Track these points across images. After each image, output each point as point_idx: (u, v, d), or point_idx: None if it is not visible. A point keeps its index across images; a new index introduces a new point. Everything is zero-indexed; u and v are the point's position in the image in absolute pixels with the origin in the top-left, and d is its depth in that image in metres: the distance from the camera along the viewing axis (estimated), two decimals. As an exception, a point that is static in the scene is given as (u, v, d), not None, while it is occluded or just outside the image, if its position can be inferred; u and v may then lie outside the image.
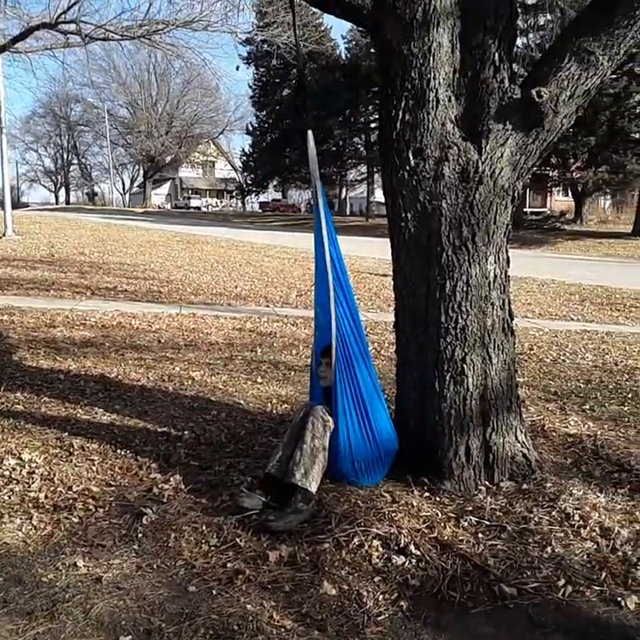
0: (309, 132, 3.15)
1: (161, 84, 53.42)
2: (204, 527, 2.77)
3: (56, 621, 2.19)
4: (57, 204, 64.20)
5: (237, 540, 2.67)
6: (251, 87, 45.32)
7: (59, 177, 69.75)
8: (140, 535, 2.73)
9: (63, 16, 13.53)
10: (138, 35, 14.69)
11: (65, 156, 68.42)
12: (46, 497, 3.01)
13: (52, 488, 3.09)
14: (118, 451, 3.54)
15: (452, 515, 2.88)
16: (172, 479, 3.19)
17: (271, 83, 43.80)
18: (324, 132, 39.71)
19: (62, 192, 70.26)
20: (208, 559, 2.55)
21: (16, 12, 14.40)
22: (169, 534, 2.72)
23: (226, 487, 3.11)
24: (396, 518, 2.78)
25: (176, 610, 2.26)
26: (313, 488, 2.91)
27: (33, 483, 3.13)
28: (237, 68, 47.28)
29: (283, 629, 2.17)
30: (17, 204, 46.38)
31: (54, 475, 3.22)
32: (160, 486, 3.12)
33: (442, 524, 2.78)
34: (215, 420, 4.11)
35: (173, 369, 5.33)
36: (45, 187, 73.54)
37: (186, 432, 3.84)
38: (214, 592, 2.36)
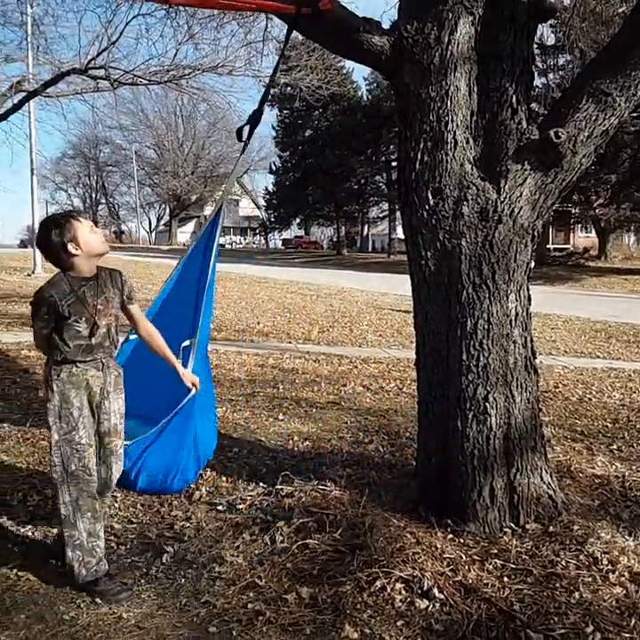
0: (242, 158, 3.28)
1: (187, 126, 54.96)
2: (224, 567, 2.75)
3: (76, 661, 2.18)
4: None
5: (257, 580, 2.65)
6: (274, 128, 46.33)
7: (87, 216, 71.47)
8: (160, 574, 2.72)
9: (93, 62, 14.04)
10: (165, 80, 15.17)
11: (93, 195, 70.26)
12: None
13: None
14: (140, 488, 3.55)
15: (477, 557, 2.83)
16: (193, 517, 3.19)
17: (294, 124, 44.74)
18: (346, 170, 40.28)
19: (90, 231, 71.71)
20: (228, 599, 2.54)
21: (48, 58, 14.99)
22: (190, 573, 2.72)
23: (247, 526, 3.10)
24: (419, 560, 2.73)
25: (196, 651, 2.24)
26: None
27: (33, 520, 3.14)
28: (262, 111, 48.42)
29: (303, 674, 2.13)
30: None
31: (77, 512, 3.23)
32: (181, 524, 3.13)
33: (466, 567, 2.73)
34: (237, 458, 4.11)
35: (196, 406, 5.35)
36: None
37: (208, 469, 3.84)
38: (234, 633, 2.34)
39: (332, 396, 5.81)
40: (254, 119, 3.14)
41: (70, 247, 2.54)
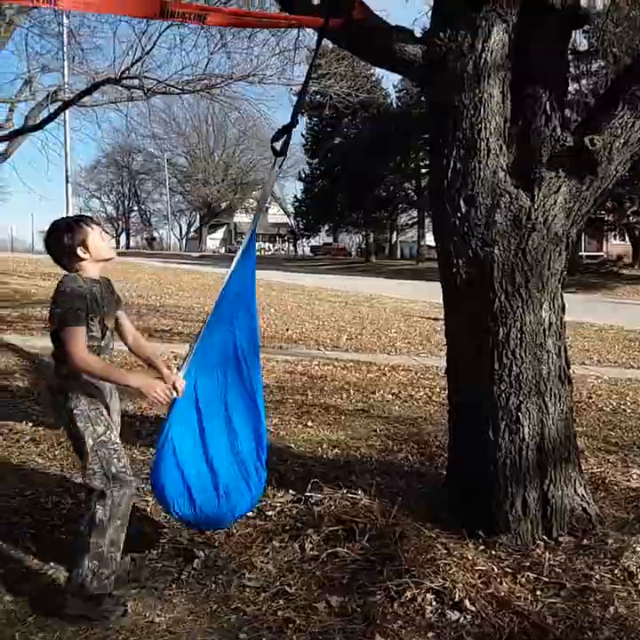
0: (274, 171, 3.13)
1: (218, 135, 55.65)
2: (254, 573, 2.76)
3: (109, 664, 2.21)
4: (117, 248, 66.79)
5: (287, 587, 2.66)
6: (303, 136, 46.60)
7: (120, 223, 72.72)
8: (191, 579, 2.74)
9: (127, 72, 14.29)
10: (197, 88, 15.38)
11: (126, 203, 71.44)
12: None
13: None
14: (171, 493, 3.58)
15: (509, 570, 2.79)
16: (223, 523, 3.20)
17: (323, 131, 44.97)
18: (375, 177, 40.26)
19: (123, 237, 73.11)
20: (259, 606, 2.54)
21: (83, 68, 15.32)
22: (220, 579, 2.73)
23: (277, 533, 3.11)
24: (450, 571, 2.71)
25: (226, 657, 2.25)
26: None
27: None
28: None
29: (333, 683, 2.12)
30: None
31: (110, 515, 3.27)
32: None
33: (498, 580, 2.70)
34: (266, 464, 4.11)
35: (226, 412, 5.38)
36: (107, 232, 76.53)
37: (237, 475, 3.86)
38: (264, 640, 2.34)
39: (360, 404, 5.80)
40: (288, 132, 3.06)
41: (79, 251, 2.55)
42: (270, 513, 3.34)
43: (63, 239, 2.55)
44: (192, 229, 71.70)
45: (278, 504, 3.44)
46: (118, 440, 2.60)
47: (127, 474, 2.55)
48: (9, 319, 10.07)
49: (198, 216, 66.21)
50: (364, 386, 6.55)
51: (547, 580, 2.70)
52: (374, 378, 7.00)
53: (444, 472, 3.69)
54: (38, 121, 16.04)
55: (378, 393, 6.24)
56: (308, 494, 3.44)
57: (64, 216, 2.68)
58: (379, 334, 10.54)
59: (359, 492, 3.45)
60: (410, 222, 48.76)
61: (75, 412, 2.51)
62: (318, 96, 26.37)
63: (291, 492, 3.59)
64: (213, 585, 2.70)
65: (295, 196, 52.01)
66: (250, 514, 3.32)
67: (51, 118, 15.88)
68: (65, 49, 15.38)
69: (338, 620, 2.47)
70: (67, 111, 16.51)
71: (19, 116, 17.84)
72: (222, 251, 63.58)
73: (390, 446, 4.58)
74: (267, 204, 67.50)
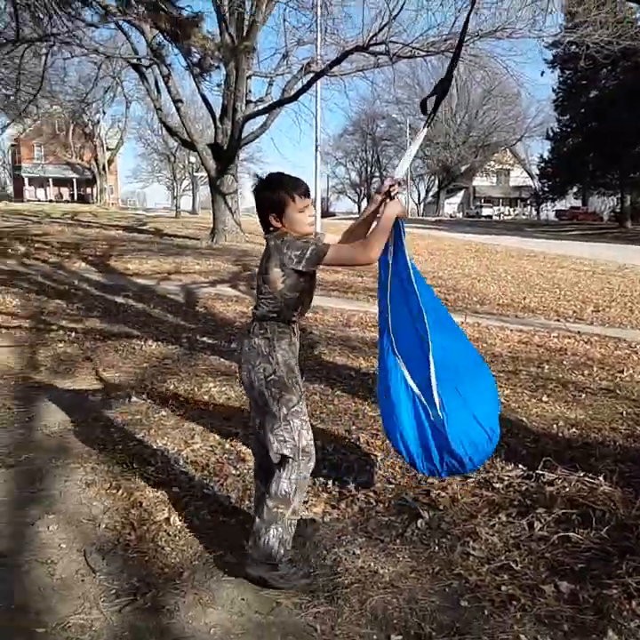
0: (424, 130, 2.72)
1: (461, 96, 54.11)
2: (479, 543, 2.72)
3: (335, 605, 2.34)
4: (358, 213, 69.47)
5: (512, 563, 2.57)
6: (554, 91, 43.18)
7: (362, 188, 75.30)
8: (415, 537, 2.79)
9: (374, 38, 14.55)
10: (442, 49, 15.10)
11: (368, 169, 73.64)
12: (335, 483, 3.25)
13: (337, 478, 3.31)
14: (399, 452, 3.67)
15: None
16: (449, 488, 3.20)
17: (577, 85, 41.13)
18: (636, 133, 35.92)
19: (364, 203, 75.69)
20: (481, 576, 2.50)
21: (334, 38, 15.99)
22: (444, 543, 2.74)
23: (504, 507, 3.01)
24: None
25: (447, 621, 2.25)
26: None
27: (322, 469, 3.40)
28: (542, 74, 45.59)
29: (558, 671, 2.02)
30: (325, 213, 52.39)
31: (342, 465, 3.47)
32: (437, 492, 3.16)
33: None
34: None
35: (455, 378, 5.33)
36: (350, 198, 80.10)
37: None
38: (486, 612, 2.30)
39: (605, 382, 5.32)
40: (442, 89, 2.69)
41: (271, 218, 2.39)
42: (498, 485, 3.25)
43: (264, 198, 2.40)
44: (430, 194, 71.51)
45: (506, 477, 3.32)
46: (307, 412, 2.50)
47: (313, 448, 2.48)
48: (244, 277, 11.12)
49: (437, 180, 65.70)
50: (611, 363, 5.98)
51: None
52: (623, 355, 6.35)
53: None
54: (293, 93, 17.16)
55: (627, 372, 5.65)
56: (540, 472, 3.28)
57: (281, 171, 2.46)
58: (631, 308, 9.51)
59: (599, 477, 3.19)
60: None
61: (273, 377, 2.39)
62: (573, 46, 24.09)
63: (520, 467, 3.45)
64: (436, 547, 2.72)
65: (541, 156, 48.82)
66: (476, 483, 3.28)
67: (304, 89, 16.90)
68: (318, 21, 16.12)
69: (567, 606, 2.32)
70: (318, 82, 17.39)
71: (276, 90, 19.31)
72: (459, 215, 62.49)
73: (639, 432, 4.14)
74: (508, 166, 64.25)
